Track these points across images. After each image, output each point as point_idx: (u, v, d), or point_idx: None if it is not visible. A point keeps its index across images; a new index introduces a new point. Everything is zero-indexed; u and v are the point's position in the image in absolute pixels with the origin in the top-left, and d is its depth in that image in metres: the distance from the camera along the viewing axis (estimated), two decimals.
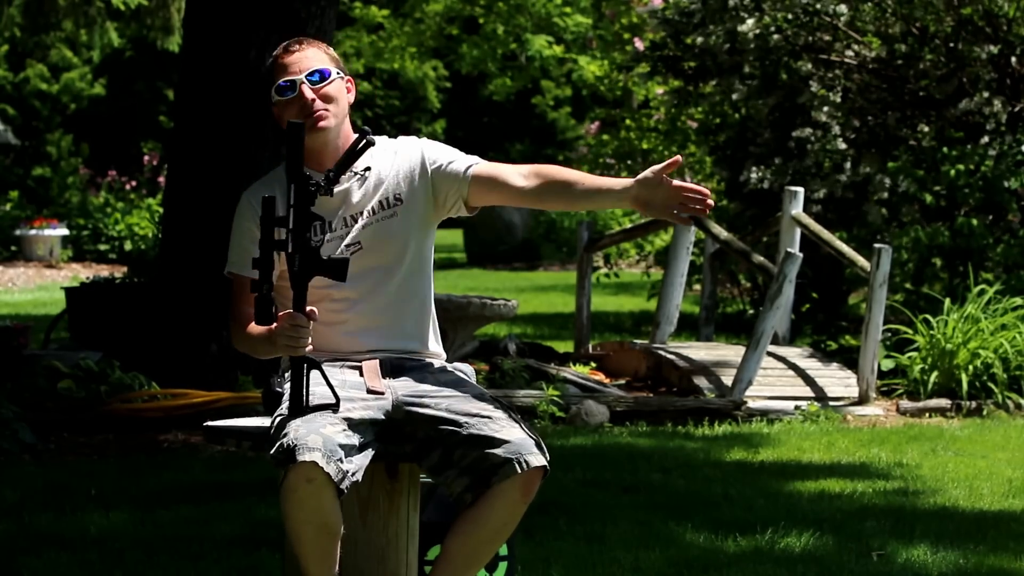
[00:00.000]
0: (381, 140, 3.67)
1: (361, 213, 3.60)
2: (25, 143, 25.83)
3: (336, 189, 3.55)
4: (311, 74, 3.55)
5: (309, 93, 3.55)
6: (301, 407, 3.38)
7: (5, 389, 7.63)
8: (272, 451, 3.33)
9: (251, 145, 8.20)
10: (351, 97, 3.66)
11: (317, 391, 3.44)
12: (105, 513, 5.49)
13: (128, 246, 20.21)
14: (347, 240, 3.58)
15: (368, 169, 3.62)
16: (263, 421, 3.71)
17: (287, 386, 3.49)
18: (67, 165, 25.42)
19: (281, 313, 3.40)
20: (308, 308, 3.39)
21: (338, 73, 3.60)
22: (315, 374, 3.44)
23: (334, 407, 3.38)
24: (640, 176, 3.43)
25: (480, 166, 3.62)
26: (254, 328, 3.50)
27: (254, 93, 8.25)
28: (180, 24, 18.32)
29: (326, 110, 3.56)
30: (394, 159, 3.65)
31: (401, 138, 3.72)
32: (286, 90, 3.55)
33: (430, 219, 3.67)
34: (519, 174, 3.57)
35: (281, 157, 3.54)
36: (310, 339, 3.39)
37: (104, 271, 18.92)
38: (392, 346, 3.63)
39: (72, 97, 26.70)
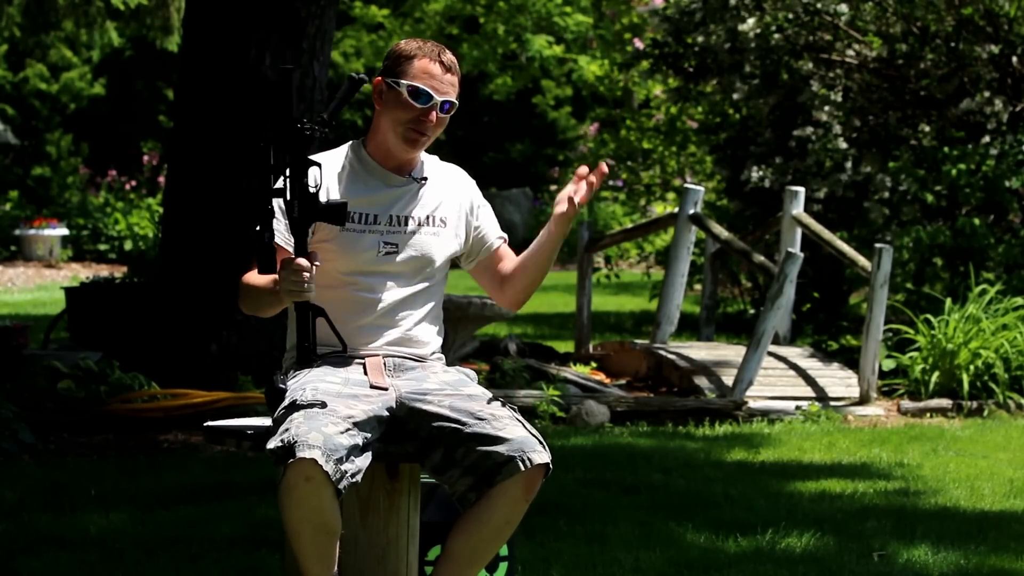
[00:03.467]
0: (433, 159, 3.79)
1: (409, 218, 3.69)
2: (25, 143, 25.78)
3: (393, 188, 3.67)
4: (446, 103, 3.64)
5: (433, 117, 3.64)
6: (310, 355, 3.48)
7: (5, 389, 7.62)
8: (272, 447, 3.34)
9: (251, 145, 8.17)
10: None
11: (321, 387, 3.46)
12: (105, 513, 5.48)
13: (128, 246, 20.18)
14: (387, 238, 3.65)
15: (425, 179, 3.73)
16: (263, 421, 3.71)
17: (291, 382, 3.54)
18: (67, 165, 25.37)
19: (282, 258, 3.47)
20: (310, 251, 3.47)
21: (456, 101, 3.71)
22: (318, 371, 3.51)
23: (342, 353, 3.55)
24: (559, 197, 3.63)
25: (503, 248, 3.82)
26: (259, 281, 3.56)
27: (254, 92, 8.25)
28: (180, 24, 18.31)
29: (428, 137, 3.66)
30: (449, 185, 3.77)
31: (451, 165, 3.83)
32: (421, 97, 3.62)
33: (454, 252, 3.78)
34: (505, 273, 3.83)
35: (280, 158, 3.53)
36: (314, 285, 3.45)
37: (104, 271, 18.89)
38: (398, 349, 3.67)
39: (72, 97, 26.63)
